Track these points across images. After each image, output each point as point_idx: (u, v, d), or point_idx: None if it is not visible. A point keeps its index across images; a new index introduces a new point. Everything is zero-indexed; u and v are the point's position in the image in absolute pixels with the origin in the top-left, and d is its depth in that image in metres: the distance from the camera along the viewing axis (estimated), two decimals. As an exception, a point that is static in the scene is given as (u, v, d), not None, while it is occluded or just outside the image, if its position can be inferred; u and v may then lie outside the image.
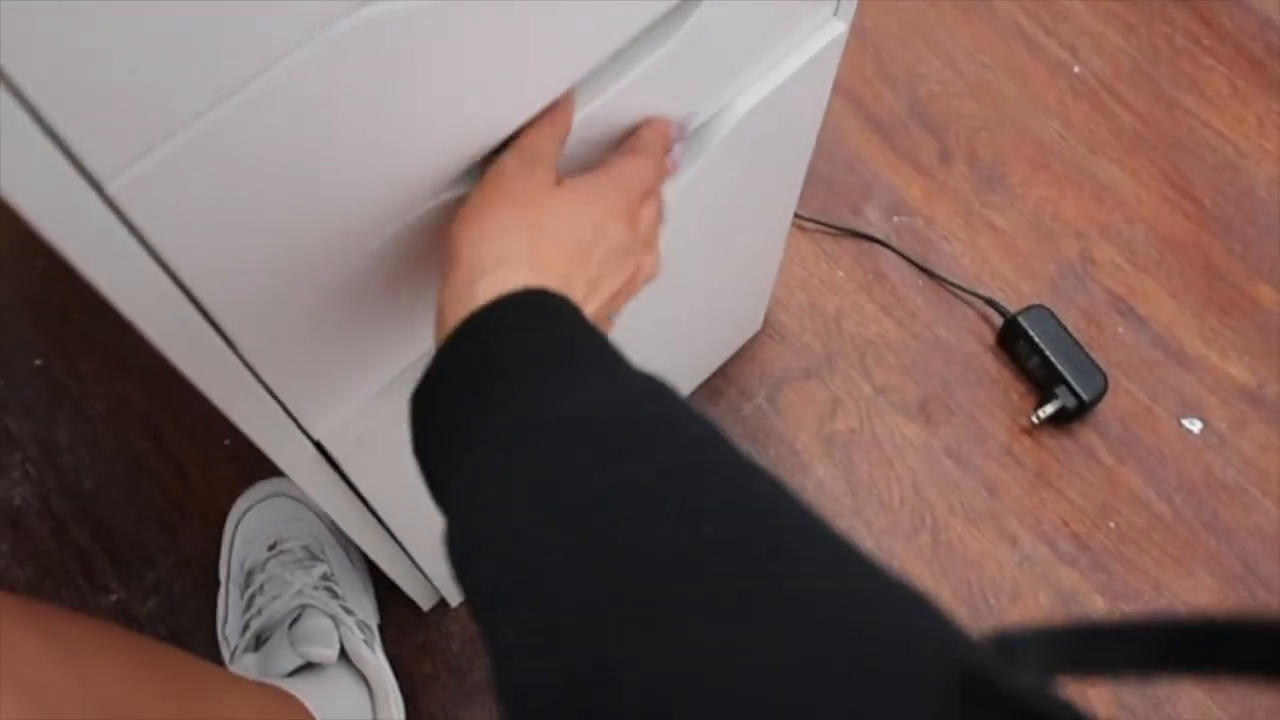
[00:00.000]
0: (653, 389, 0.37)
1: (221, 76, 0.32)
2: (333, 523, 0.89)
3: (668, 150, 0.53)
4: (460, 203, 0.44)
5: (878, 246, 1.06)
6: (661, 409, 0.36)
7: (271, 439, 0.57)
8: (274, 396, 0.53)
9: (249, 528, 0.88)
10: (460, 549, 0.35)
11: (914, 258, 1.05)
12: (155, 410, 0.98)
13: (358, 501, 0.70)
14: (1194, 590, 0.94)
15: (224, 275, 0.39)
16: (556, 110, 0.46)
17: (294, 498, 0.88)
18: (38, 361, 0.99)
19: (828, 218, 1.07)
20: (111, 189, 0.32)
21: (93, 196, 0.32)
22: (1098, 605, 0.93)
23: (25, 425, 0.97)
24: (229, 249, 0.38)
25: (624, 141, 0.52)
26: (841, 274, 1.05)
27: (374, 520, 0.74)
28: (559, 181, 0.45)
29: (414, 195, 0.44)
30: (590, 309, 0.44)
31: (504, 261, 0.41)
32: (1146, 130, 1.11)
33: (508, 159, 0.44)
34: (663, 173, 0.52)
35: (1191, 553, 0.95)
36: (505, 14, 0.39)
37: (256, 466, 0.94)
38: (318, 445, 0.63)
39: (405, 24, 0.35)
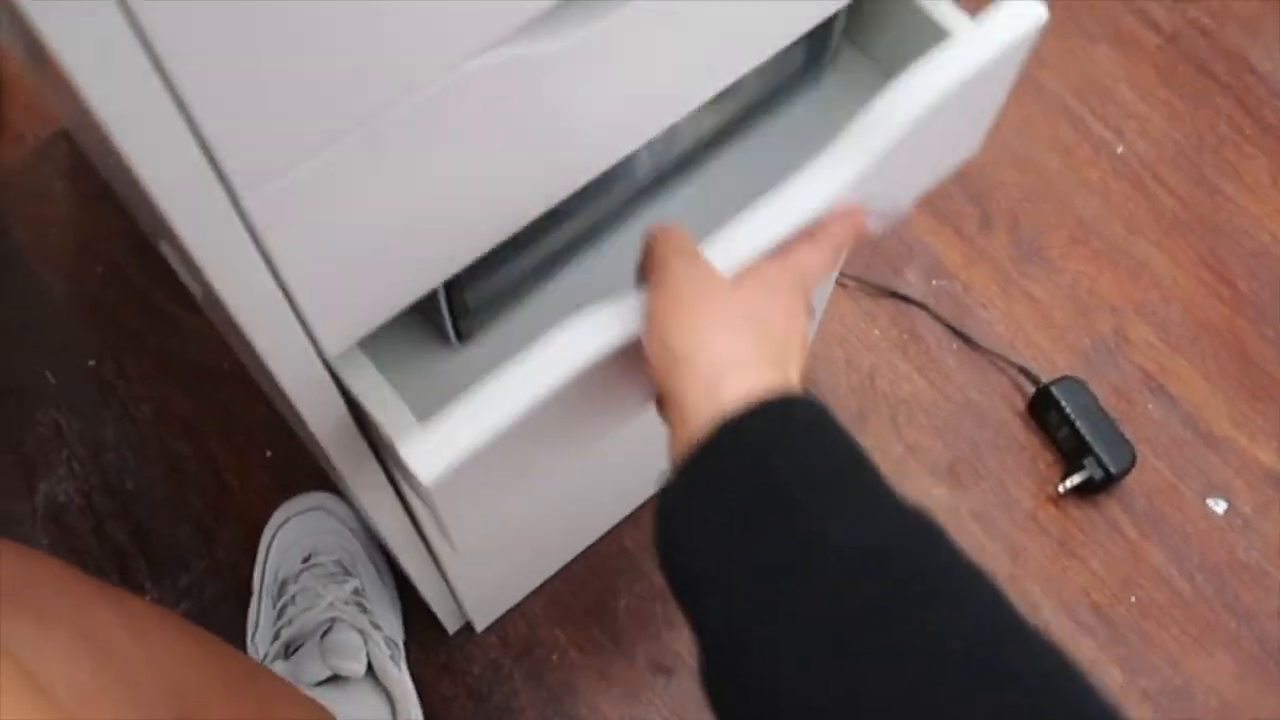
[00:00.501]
0: (928, 523, 0.37)
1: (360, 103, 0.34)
2: (366, 539, 0.91)
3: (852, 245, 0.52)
4: (647, 315, 0.44)
5: (915, 308, 1.08)
6: (944, 547, 0.36)
7: (349, 462, 0.59)
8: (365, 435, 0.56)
9: (286, 538, 0.89)
10: (731, 683, 0.34)
11: (950, 321, 1.07)
12: (200, 416, 1.00)
13: (409, 522, 0.72)
14: (1212, 670, 0.95)
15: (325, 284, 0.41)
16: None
17: (331, 512, 0.90)
18: (90, 362, 1.02)
19: (869, 276, 1.09)
20: (247, 203, 0.34)
21: (227, 205, 0.34)
22: (1115, 678, 0.94)
23: (74, 423, 1.00)
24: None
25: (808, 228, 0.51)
26: (878, 333, 1.07)
27: (420, 541, 0.76)
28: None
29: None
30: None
31: (738, 363, 0.41)
32: (1186, 214, 1.14)
33: (673, 262, 0.44)
34: (838, 264, 0.51)
35: (1211, 632, 0.96)
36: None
37: (295, 478, 0.96)
38: (390, 478, 0.65)
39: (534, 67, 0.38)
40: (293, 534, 0.89)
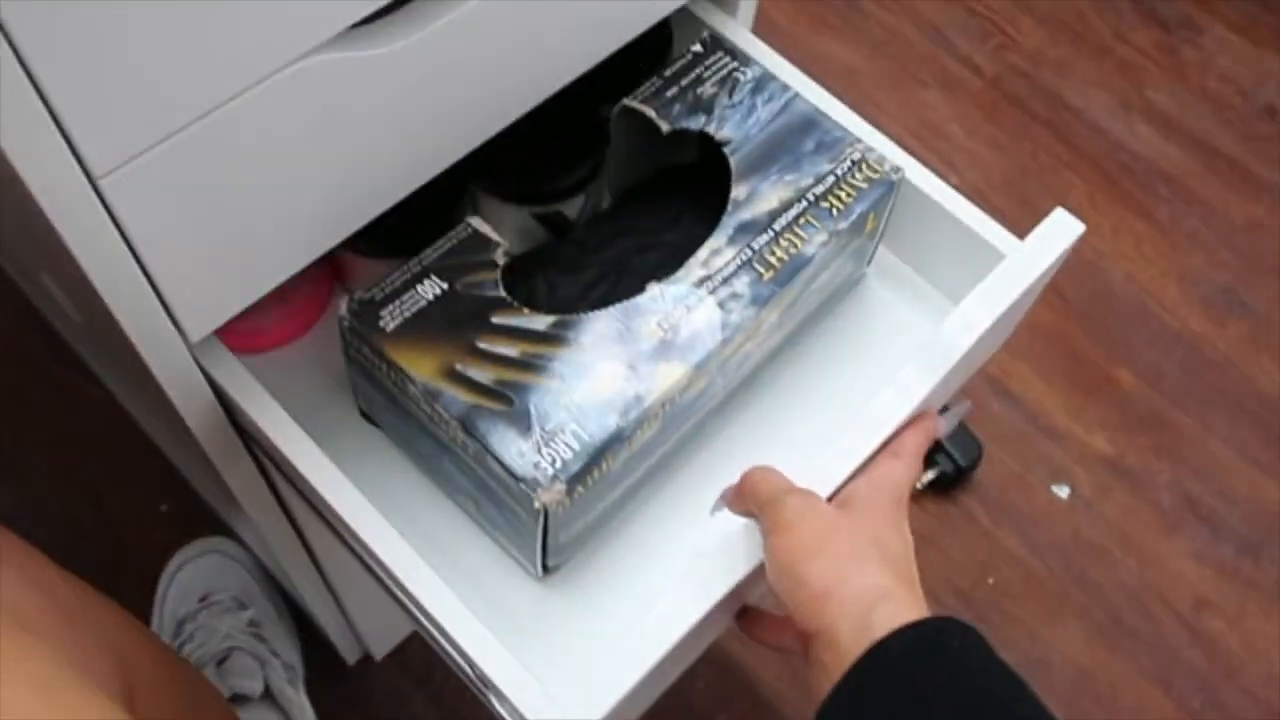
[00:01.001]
0: None
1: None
2: (262, 576, 0.94)
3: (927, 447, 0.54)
4: (774, 556, 0.46)
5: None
6: None
7: (246, 490, 0.64)
8: (251, 452, 0.61)
9: (182, 582, 0.92)
10: None
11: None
12: (96, 478, 1.03)
13: (305, 554, 0.77)
14: (1066, 640, 1.02)
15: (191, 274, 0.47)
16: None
17: (226, 554, 0.94)
18: (-16, 431, 1.05)
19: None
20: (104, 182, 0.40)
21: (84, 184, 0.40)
22: (979, 655, 1.01)
23: (-31, 489, 1.02)
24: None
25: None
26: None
27: (316, 572, 0.80)
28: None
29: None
30: None
31: (881, 592, 0.43)
32: (1016, 232, 1.24)
33: (787, 501, 0.46)
34: (920, 469, 0.53)
35: (1063, 606, 1.04)
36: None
37: (192, 529, 0.99)
38: (285, 509, 0.69)
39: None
40: (188, 577, 0.92)
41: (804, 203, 0.56)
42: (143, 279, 0.46)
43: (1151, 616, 1.04)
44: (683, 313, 0.52)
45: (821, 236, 0.55)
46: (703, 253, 0.54)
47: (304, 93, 0.45)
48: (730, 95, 0.59)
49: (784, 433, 0.61)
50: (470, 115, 0.55)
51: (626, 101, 0.58)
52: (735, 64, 0.60)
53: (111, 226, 0.43)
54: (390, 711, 0.96)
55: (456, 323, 0.51)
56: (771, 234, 0.55)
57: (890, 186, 0.58)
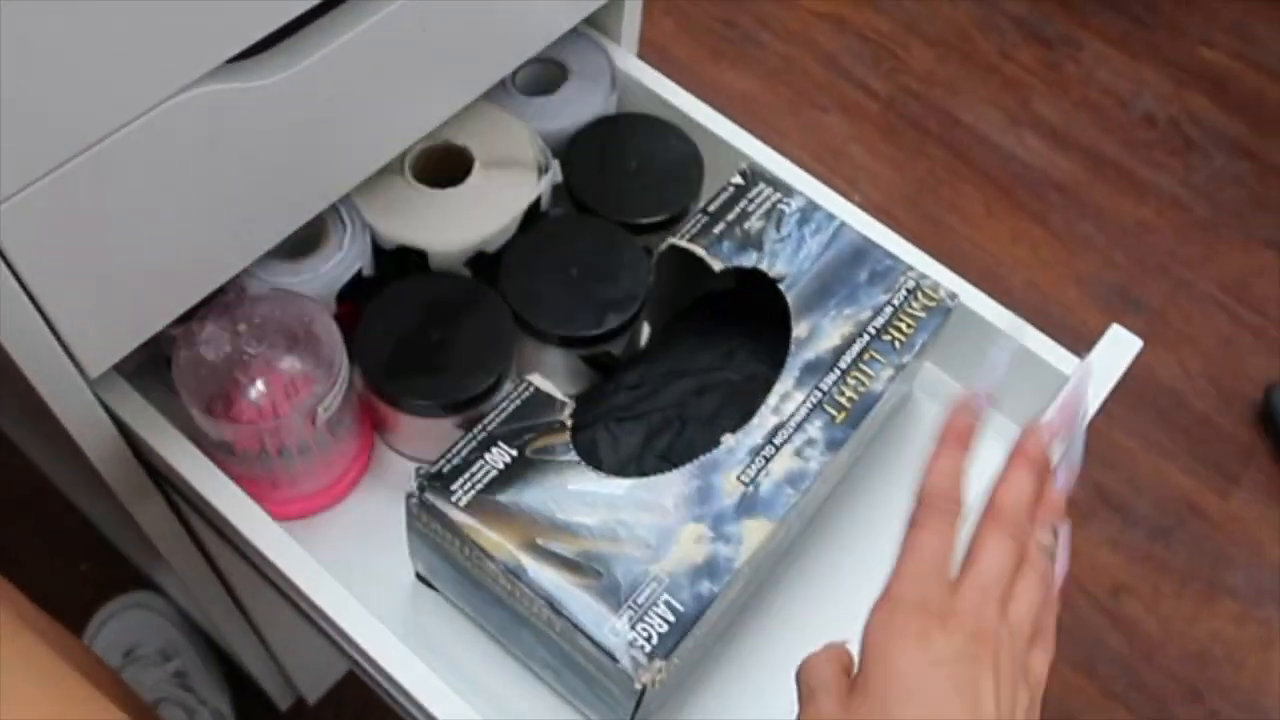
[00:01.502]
0: None
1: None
2: (188, 628, 0.93)
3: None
4: None
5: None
6: None
7: (159, 530, 0.64)
8: (161, 489, 0.61)
9: (105, 639, 0.91)
10: None
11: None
12: (14, 539, 1.02)
13: (226, 596, 0.76)
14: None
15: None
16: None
17: (148, 607, 0.93)
18: (-105, 503, 1.03)
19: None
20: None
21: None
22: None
23: (-120, 563, 1.00)
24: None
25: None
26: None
27: (242, 617, 0.80)
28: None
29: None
30: None
31: None
32: (919, 245, 1.29)
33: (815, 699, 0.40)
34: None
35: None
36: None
37: (113, 588, 0.98)
38: (202, 549, 0.69)
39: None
40: (111, 633, 0.91)
41: (866, 337, 0.54)
42: (36, 315, 0.46)
43: (1072, 605, 1.07)
44: (761, 464, 0.51)
45: (888, 372, 0.54)
46: (772, 398, 0.52)
47: (188, 124, 0.46)
48: (778, 228, 0.58)
49: (856, 566, 0.58)
50: (357, 144, 0.56)
51: (674, 241, 0.57)
52: (778, 195, 0.59)
53: (1, 262, 0.43)
54: (326, 756, 0.95)
55: (533, 492, 0.49)
56: (838, 373, 0.53)
57: (947, 313, 0.57)
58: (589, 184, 0.63)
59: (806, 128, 1.37)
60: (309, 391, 0.52)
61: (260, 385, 0.52)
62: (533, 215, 0.61)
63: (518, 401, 0.52)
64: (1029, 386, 0.60)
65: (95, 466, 0.56)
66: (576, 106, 0.65)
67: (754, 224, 0.58)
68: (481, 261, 0.60)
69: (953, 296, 0.58)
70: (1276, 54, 1.47)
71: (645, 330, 0.61)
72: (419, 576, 0.56)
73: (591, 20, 0.69)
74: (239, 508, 0.52)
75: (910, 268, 0.58)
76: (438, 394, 0.54)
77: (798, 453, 0.51)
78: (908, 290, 0.57)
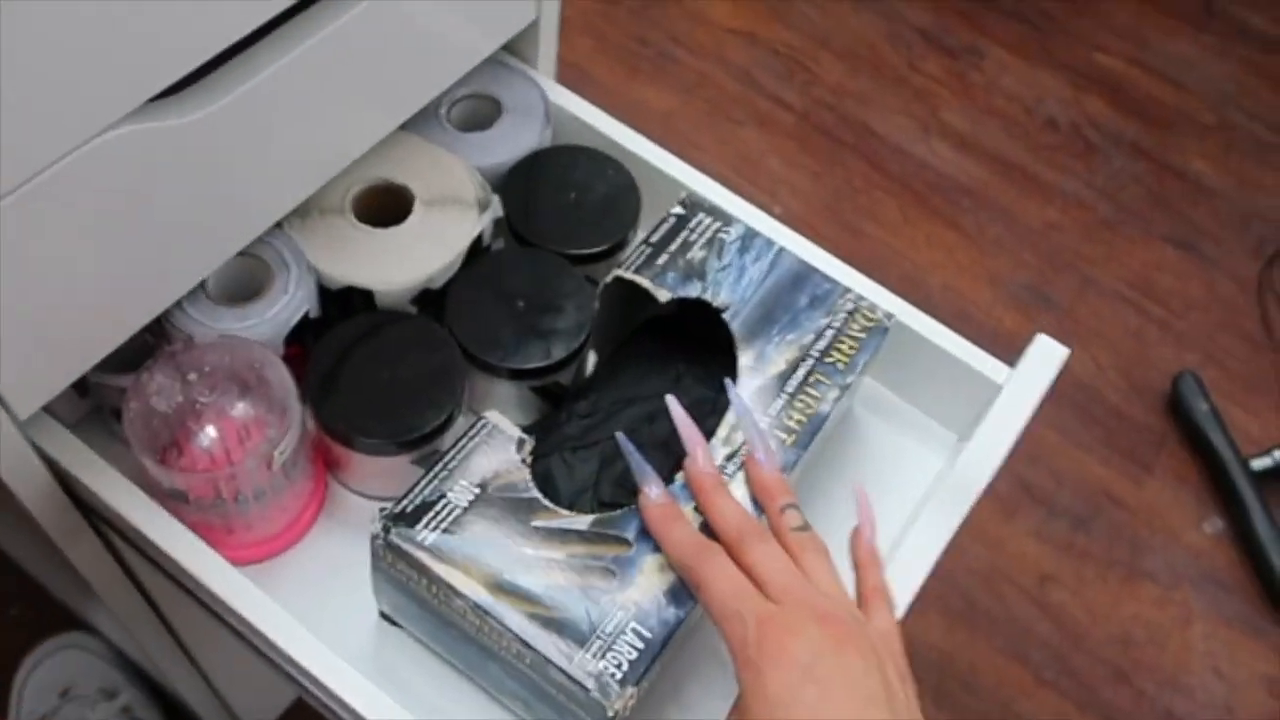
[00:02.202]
0: None
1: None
2: (124, 664, 0.91)
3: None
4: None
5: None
6: None
7: (93, 567, 0.62)
8: (94, 526, 0.60)
9: (39, 680, 0.89)
10: None
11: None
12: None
13: (167, 635, 0.75)
14: (926, 626, 1.07)
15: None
16: None
17: (83, 648, 0.91)
18: None
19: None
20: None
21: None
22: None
23: None
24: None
25: None
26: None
27: (179, 650, 0.79)
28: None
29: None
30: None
31: None
32: (839, 252, 1.32)
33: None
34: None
35: (920, 596, 1.09)
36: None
37: (45, 632, 0.95)
38: (140, 587, 0.68)
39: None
40: (44, 675, 0.89)
41: (810, 360, 0.56)
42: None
43: (1001, 596, 1.11)
44: None
45: (833, 393, 0.55)
46: (722, 429, 0.53)
47: (110, 165, 0.45)
48: (719, 257, 0.59)
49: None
50: (281, 177, 0.56)
51: (619, 273, 0.58)
52: (719, 224, 0.60)
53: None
54: (274, 792, 0.94)
55: (497, 530, 0.50)
56: (785, 397, 0.55)
57: (885, 332, 0.58)
58: (529, 217, 0.63)
59: (724, 141, 1.40)
60: (262, 436, 0.52)
61: (213, 433, 0.52)
62: (475, 250, 0.61)
63: (477, 438, 0.52)
64: (962, 396, 0.62)
65: (25, 506, 0.55)
66: (512, 141, 0.66)
67: (696, 254, 0.59)
68: (427, 298, 0.60)
69: (889, 316, 0.59)
70: (1167, 57, 1.54)
71: (592, 358, 0.62)
72: (383, 615, 0.56)
73: (509, 46, 0.70)
74: (194, 554, 0.52)
75: (848, 290, 0.59)
76: (391, 432, 0.54)
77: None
78: (847, 312, 0.58)
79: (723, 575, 0.44)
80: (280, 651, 0.50)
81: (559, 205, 0.64)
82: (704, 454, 0.50)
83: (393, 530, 0.49)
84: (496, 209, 0.63)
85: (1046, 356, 0.61)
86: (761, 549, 0.45)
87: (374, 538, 0.49)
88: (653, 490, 0.49)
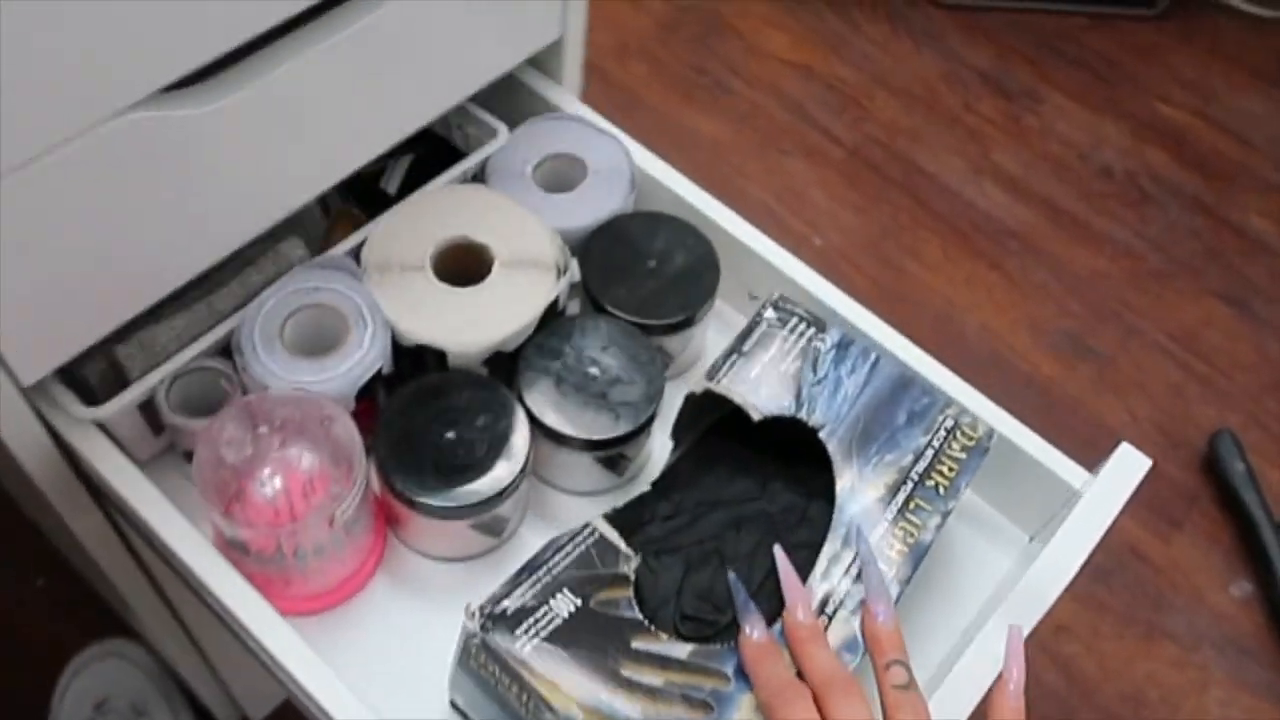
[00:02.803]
0: None
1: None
2: (162, 677, 0.94)
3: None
4: None
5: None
6: None
7: (98, 544, 0.65)
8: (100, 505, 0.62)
9: (77, 690, 0.92)
10: None
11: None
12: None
13: (171, 618, 0.78)
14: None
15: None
16: None
17: (123, 656, 0.94)
18: None
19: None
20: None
21: None
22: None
23: None
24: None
25: None
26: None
27: (186, 637, 0.81)
28: None
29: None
30: None
31: None
32: (877, 291, 1.31)
33: None
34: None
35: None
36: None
37: (64, 604, 0.99)
38: (155, 584, 0.71)
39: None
40: (84, 684, 0.92)
41: (910, 484, 0.53)
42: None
43: (1012, 644, 1.09)
44: None
45: (935, 520, 0.53)
46: (821, 562, 0.51)
47: (120, 147, 0.47)
48: (814, 369, 0.56)
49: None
50: (293, 173, 0.57)
51: (711, 385, 0.56)
52: (813, 330, 0.58)
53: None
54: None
55: (596, 646, 0.48)
56: (886, 524, 0.52)
57: (985, 453, 0.56)
58: (605, 283, 0.62)
59: (770, 171, 1.41)
60: (325, 491, 0.52)
61: (278, 485, 0.52)
62: (550, 314, 0.60)
63: (582, 547, 0.51)
64: (1037, 498, 0.60)
65: (30, 475, 0.58)
66: (595, 204, 0.65)
67: (790, 365, 0.56)
68: (499, 360, 0.60)
69: (990, 435, 0.56)
70: (1233, 111, 1.51)
71: (664, 443, 0.60)
72: (454, 705, 0.54)
73: (534, 61, 0.72)
74: (246, 604, 0.51)
75: (948, 403, 0.57)
76: (453, 498, 0.54)
77: (854, 611, 0.50)
78: (946, 430, 0.55)
79: (801, 711, 0.44)
80: (323, 710, 0.50)
81: (636, 273, 0.63)
82: (804, 609, 0.49)
83: (492, 630, 0.47)
84: (574, 273, 0.62)
85: (1128, 465, 0.58)
86: (845, 701, 0.45)
87: (469, 635, 0.48)
88: (754, 631, 0.48)
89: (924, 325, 1.29)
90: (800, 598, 0.49)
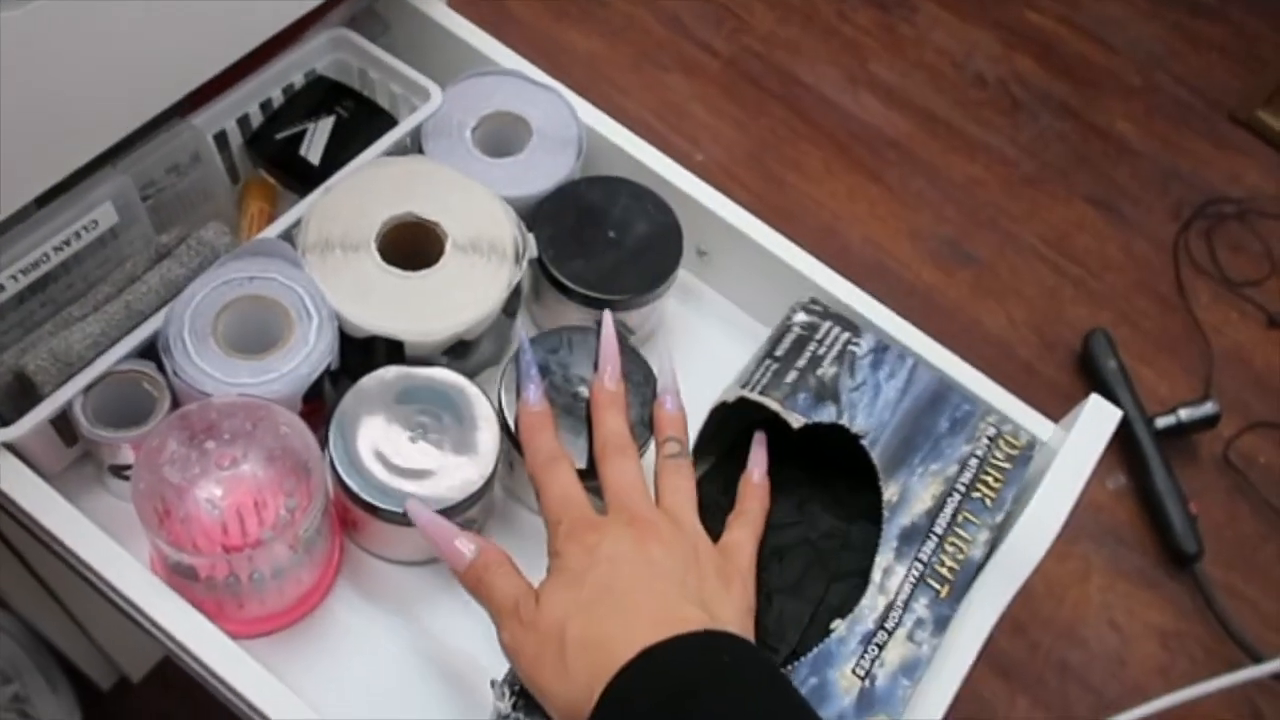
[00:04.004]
0: None
1: None
2: (35, 645, 0.88)
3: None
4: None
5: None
6: None
7: None
8: None
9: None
10: None
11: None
12: None
13: (34, 582, 0.72)
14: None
15: None
16: None
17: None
18: None
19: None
20: None
21: None
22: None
23: None
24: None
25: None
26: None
27: (51, 600, 0.76)
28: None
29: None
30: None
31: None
32: (761, 205, 1.30)
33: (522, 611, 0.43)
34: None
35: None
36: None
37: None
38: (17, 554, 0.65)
39: None
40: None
41: (956, 495, 0.51)
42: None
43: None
44: (874, 653, 0.47)
45: (984, 534, 0.51)
46: (876, 573, 0.49)
47: None
48: (851, 374, 0.54)
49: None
50: (110, 98, 0.50)
51: (744, 393, 0.52)
52: (848, 335, 0.55)
53: None
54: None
55: None
56: (935, 539, 0.50)
57: (1029, 461, 0.54)
58: (562, 256, 0.57)
59: (648, 86, 1.37)
60: (278, 504, 0.48)
61: (228, 503, 0.48)
62: (513, 298, 0.56)
63: None
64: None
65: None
66: (545, 169, 0.60)
67: (827, 370, 0.54)
68: (459, 349, 0.55)
69: (1032, 444, 0.54)
70: (1098, 18, 1.54)
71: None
72: None
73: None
74: (195, 630, 0.47)
75: (988, 411, 0.55)
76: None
77: (909, 636, 0.48)
78: (989, 439, 0.54)
79: (558, 483, 0.46)
80: None
81: (595, 244, 0.58)
82: (613, 376, 0.50)
83: (522, 705, 0.44)
84: (533, 250, 0.57)
85: (1100, 418, 0.56)
86: (619, 463, 0.47)
87: (500, 716, 0.44)
88: (531, 395, 0.49)
89: (808, 239, 1.28)
90: (612, 364, 0.50)
